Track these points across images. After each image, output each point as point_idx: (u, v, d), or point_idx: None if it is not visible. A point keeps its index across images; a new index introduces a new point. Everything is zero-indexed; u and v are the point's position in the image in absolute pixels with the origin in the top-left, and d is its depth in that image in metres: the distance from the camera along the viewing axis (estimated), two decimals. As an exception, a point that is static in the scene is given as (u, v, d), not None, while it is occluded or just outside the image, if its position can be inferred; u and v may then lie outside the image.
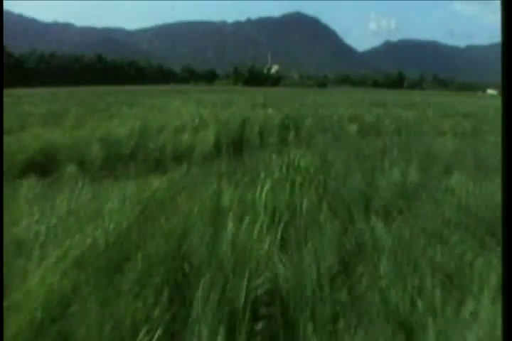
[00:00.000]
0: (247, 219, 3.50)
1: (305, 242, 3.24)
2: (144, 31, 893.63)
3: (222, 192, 4.31)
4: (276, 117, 13.75)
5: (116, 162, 8.27)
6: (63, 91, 45.17)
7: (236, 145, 9.90)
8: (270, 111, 15.67)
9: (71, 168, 6.84)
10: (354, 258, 3.19)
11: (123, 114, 15.43)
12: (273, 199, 4.13)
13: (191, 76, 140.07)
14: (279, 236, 3.38)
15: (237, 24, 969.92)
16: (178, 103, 21.05)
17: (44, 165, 8.21)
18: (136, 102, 23.33)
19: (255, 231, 3.29)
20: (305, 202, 4.07)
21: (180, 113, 15.01)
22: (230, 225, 3.37)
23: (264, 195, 4.13)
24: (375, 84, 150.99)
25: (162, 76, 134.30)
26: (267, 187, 4.36)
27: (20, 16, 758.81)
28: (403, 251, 3.13)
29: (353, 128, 12.33)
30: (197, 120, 12.27)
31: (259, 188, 4.32)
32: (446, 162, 6.83)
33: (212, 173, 5.77)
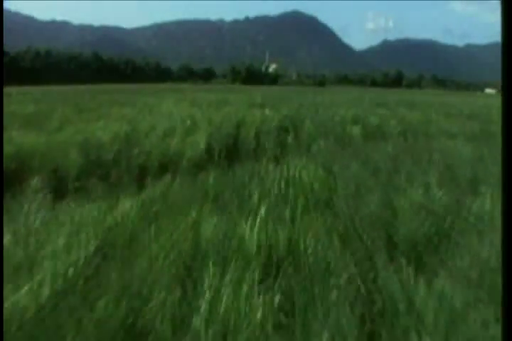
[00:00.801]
0: (233, 267, 2.62)
1: (313, 305, 2.35)
2: (142, 30, 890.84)
3: (203, 223, 3.40)
4: (274, 119, 12.87)
5: (94, 171, 7.38)
6: (57, 89, 44.20)
7: (229, 152, 9.01)
8: (267, 112, 14.77)
9: (37, 181, 5.92)
10: (380, 329, 2.30)
11: (112, 115, 14.52)
12: (268, 233, 3.22)
13: (189, 74, 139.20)
14: (277, 297, 2.46)
15: (235, 22, 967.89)
16: (172, 103, 20.12)
17: (14, 174, 7.34)
18: (129, 101, 22.39)
19: (244, 287, 2.40)
20: (310, 237, 3.18)
21: (172, 114, 14.10)
22: (209, 277, 2.49)
23: (256, 228, 3.23)
24: (374, 83, 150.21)
25: (159, 75, 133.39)
26: (261, 214, 3.46)
27: (17, 14, 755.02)
28: (446, 318, 2.25)
29: (356, 130, 11.44)
30: (188, 122, 11.36)
31: (251, 217, 3.43)
32: (468, 174, 5.94)
33: (197, 190, 4.87)
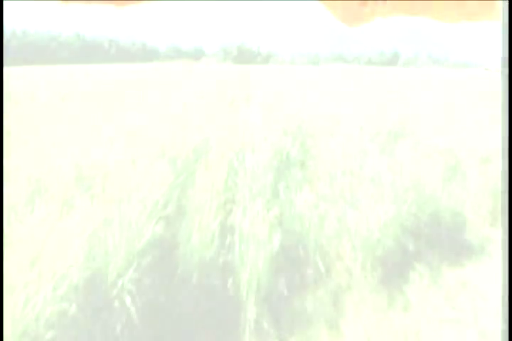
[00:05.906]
0: None
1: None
2: (130, 9, 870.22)
3: None
4: (267, 134, 7.10)
5: None
6: (20, 73, 37.91)
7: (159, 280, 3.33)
8: (254, 117, 8.82)
9: None
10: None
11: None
12: None
13: (177, 54, 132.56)
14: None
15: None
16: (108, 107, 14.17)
17: None
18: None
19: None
20: None
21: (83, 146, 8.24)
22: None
23: None
24: (370, 62, 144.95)
25: (146, 54, 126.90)
26: None
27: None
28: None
29: (435, 171, 5.64)
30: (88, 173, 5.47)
31: None
32: None
33: None
